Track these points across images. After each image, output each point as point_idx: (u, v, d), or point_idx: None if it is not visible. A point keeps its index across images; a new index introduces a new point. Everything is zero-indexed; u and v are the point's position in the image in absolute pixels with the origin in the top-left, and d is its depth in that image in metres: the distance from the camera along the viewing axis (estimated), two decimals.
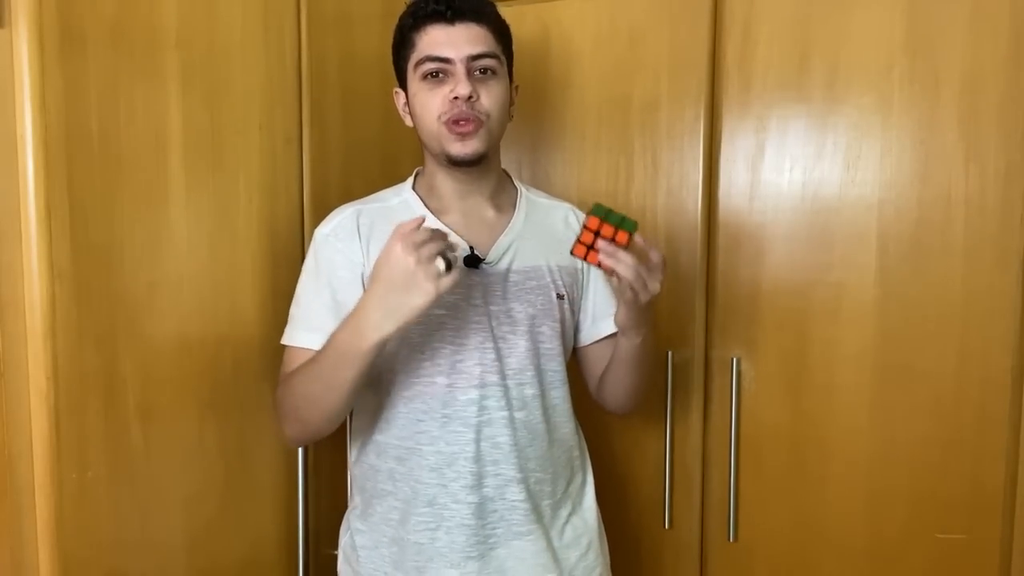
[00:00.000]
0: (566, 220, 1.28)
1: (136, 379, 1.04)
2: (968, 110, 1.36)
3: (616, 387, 1.26)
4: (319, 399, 1.07)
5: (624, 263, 1.03)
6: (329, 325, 1.08)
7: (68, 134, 0.94)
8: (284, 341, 1.16)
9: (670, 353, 1.53)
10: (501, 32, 1.16)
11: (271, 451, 1.28)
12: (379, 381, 1.16)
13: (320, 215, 1.34)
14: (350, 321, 1.02)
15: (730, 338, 1.54)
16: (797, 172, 1.47)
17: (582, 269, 1.26)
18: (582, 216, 1.25)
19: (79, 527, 0.97)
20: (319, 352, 1.06)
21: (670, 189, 1.56)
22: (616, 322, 1.16)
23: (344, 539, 1.25)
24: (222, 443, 1.19)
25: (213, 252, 1.16)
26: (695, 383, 1.56)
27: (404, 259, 0.95)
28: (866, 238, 1.43)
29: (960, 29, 1.35)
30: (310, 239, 1.33)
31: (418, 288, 0.95)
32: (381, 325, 0.98)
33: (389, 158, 1.53)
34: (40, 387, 0.93)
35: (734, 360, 1.51)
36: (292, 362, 1.14)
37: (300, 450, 1.28)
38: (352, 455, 1.25)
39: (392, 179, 1.53)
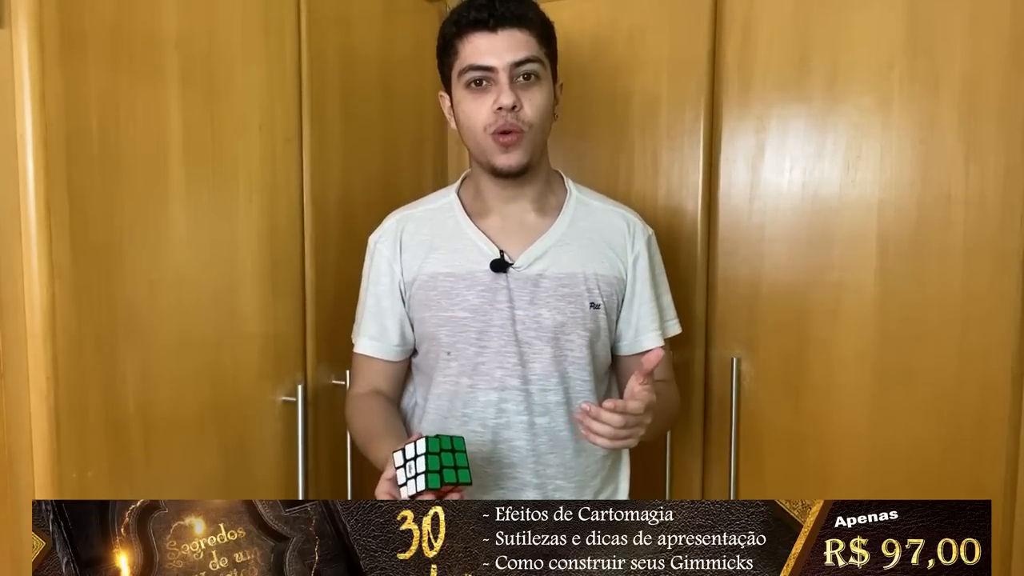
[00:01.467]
0: (614, 225, 1.23)
1: (136, 379, 1.04)
2: (968, 110, 1.35)
3: None
4: (366, 452, 1.18)
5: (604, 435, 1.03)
6: (375, 331, 1.21)
7: (68, 134, 0.94)
8: (353, 341, 1.26)
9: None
10: (544, 33, 1.15)
11: (271, 451, 1.28)
12: (419, 378, 1.23)
13: (320, 215, 1.35)
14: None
15: (730, 338, 1.54)
16: (797, 172, 1.47)
17: (626, 278, 1.23)
18: (640, 225, 1.24)
19: None
20: (370, 435, 1.15)
21: (670, 189, 1.56)
22: None
23: None
24: (222, 443, 1.19)
25: (213, 252, 1.16)
26: (695, 383, 1.56)
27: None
28: (866, 238, 1.43)
29: (960, 29, 1.35)
30: (310, 239, 1.33)
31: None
32: None
33: (389, 157, 1.53)
34: (40, 387, 0.93)
35: (734, 360, 1.51)
36: (356, 367, 1.25)
37: (300, 450, 1.29)
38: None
39: (392, 179, 1.54)
